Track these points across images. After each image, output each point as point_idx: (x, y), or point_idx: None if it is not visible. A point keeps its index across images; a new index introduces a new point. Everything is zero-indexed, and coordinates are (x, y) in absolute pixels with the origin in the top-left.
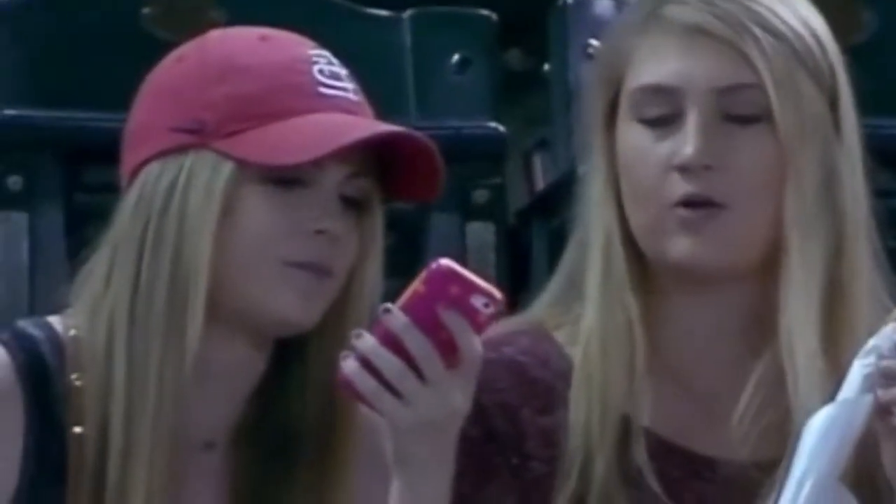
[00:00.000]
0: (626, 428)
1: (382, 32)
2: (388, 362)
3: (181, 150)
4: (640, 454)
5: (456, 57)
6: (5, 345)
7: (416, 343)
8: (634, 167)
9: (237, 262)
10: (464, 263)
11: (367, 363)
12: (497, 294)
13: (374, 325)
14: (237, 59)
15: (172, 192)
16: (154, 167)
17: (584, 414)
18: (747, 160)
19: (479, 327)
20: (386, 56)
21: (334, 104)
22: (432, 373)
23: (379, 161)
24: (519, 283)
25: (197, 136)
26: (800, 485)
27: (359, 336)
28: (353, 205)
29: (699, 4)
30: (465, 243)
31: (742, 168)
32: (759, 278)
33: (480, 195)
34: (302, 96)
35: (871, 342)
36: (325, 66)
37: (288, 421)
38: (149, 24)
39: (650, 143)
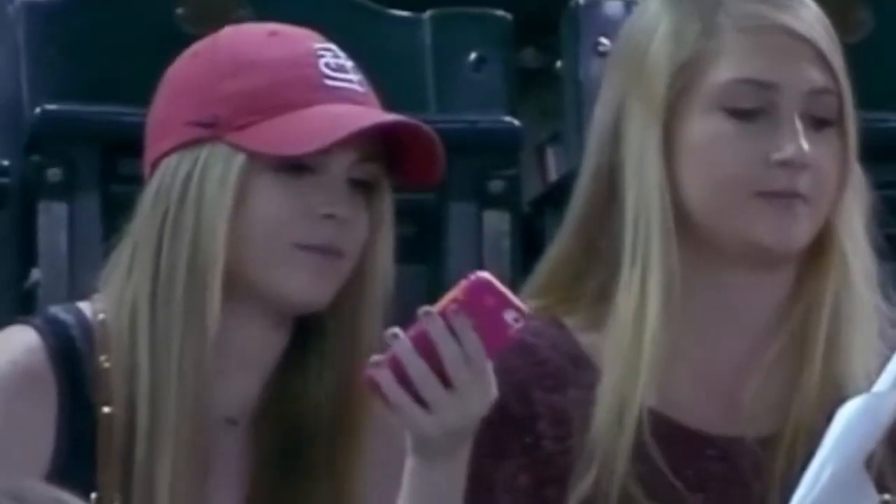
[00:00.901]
0: (638, 412)
1: (404, 32)
2: (420, 370)
3: (197, 143)
4: (650, 436)
5: (473, 55)
6: (38, 329)
7: (450, 350)
8: (719, 155)
9: (252, 247)
10: (480, 250)
11: (397, 366)
12: (525, 309)
13: (410, 327)
14: (247, 55)
15: (189, 182)
16: (172, 160)
17: (608, 401)
18: (828, 161)
19: (507, 341)
20: (407, 54)
21: (340, 95)
22: (459, 380)
23: (386, 147)
24: (532, 268)
25: (211, 129)
26: (821, 470)
27: (395, 337)
28: (363, 188)
29: (787, 10)
30: (481, 231)
31: (824, 168)
32: (798, 266)
33: (496, 185)
34: (308, 89)
35: None
36: (331, 59)
37: (306, 397)
38: (182, 23)
39: (739, 135)
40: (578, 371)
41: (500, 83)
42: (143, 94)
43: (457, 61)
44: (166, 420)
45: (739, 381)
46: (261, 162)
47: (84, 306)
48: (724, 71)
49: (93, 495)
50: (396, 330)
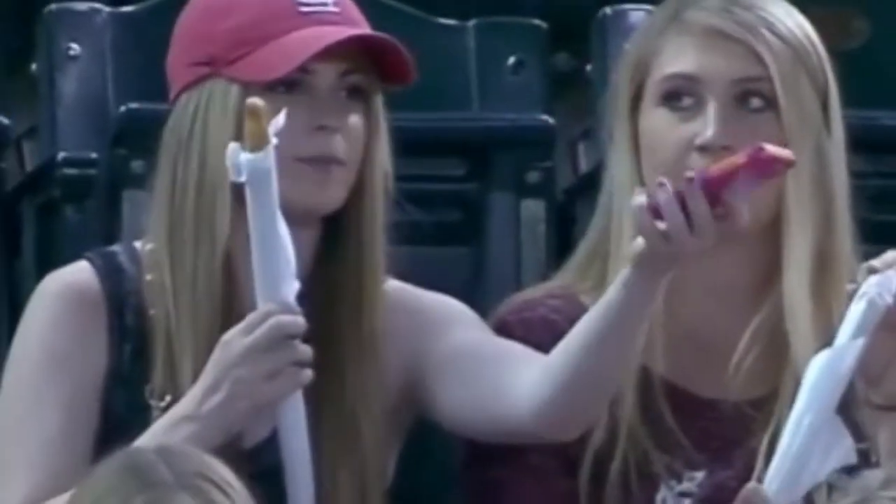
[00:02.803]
0: (645, 376)
1: (450, 39)
2: (700, 204)
3: (200, 80)
4: (659, 398)
5: (512, 59)
6: (88, 258)
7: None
8: (657, 145)
9: None
10: (518, 235)
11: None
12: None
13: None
14: None
15: (196, 116)
16: (183, 98)
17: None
18: (757, 143)
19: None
20: (453, 59)
21: (313, 19)
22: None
23: (373, 58)
24: (566, 251)
25: (209, 66)
26: (800, 419)
27: (689, 180)
28: (359, 98)
29: (716, 10)
30: (519, 217)
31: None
32: (761, 244)
33: (533, 176)
34: (283, 19)
35: (862, 290)
36: None
37: (338, 282)
38: None
39: (672, 125)
40: None
41: (536, 85)
42: None
43: (497, 65)
44: (186, 321)
45: (731, 348)
46: (254, 89)
47: (137, 242)
48: (659, 71)
49: (147, 386)
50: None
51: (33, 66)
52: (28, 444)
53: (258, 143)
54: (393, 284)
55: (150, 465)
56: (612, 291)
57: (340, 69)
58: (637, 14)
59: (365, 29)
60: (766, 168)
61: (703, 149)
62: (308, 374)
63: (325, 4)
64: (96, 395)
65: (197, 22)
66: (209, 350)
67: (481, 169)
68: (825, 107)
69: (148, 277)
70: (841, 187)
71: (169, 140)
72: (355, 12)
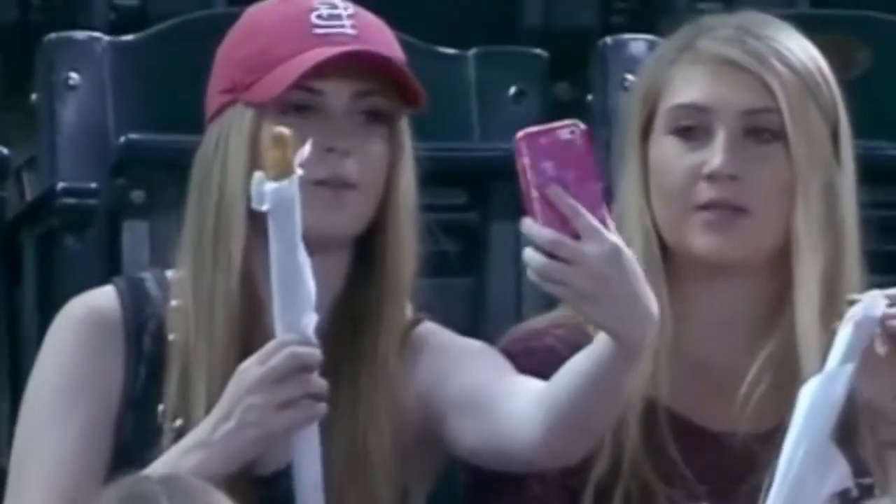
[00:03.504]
0: (651, 405)
1: (451, 68)
2: (550, 237)
3: (223, 108)
4: (665, 430)
5: (513, 89)
6: (113, 283)
7: (569, 208)
8: (665, 173)
9: None
10: (518, 265)
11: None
12: (576, 121)
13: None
14: (254, 23)
15: (217, 142)
16: (210, 128)
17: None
18: (765, 173)
19: (582, 149)
20: (454, 88)
21: (328, 41)
22: (583, 225)
23: (394, 80)
24: None
25: (231, 94)
26: (795, 447)
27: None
28: (380, 121)
29: (728, 40)
30: (519, 248)
31: (760, 180)
32: (769, 274)
33: None
34: (297, 40)
35: (848, 314)
36: (325, 10)
37: (355, 317)
38: None
39: (681, 154)
40: None
41: (536, 114)
42: None
43: (498, 95)
44: (202, 345)
45: (739, 380)
46: (268, 112)
47: (170, 271)
48: (670, 99)
49: (160, 407)
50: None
51: (33, 96)
52: (43, 466)
53: (282, 172)
54: (428, 327)
55: (152, 497)
56: (595, 343)
57: (353, 90)
58: (638, 44)
59: (378, 49)
60: (541, 145)
61: (711, 177)
62: (322, 407)
63: (342, 26)
64: (112, 417)
65: (225, 50)
66: (224, 375)
67: (482, 199)
68: (835, 138)
69: (173, 303)
70: (851, 219)
71: (196, 167)
72: (375, 34)
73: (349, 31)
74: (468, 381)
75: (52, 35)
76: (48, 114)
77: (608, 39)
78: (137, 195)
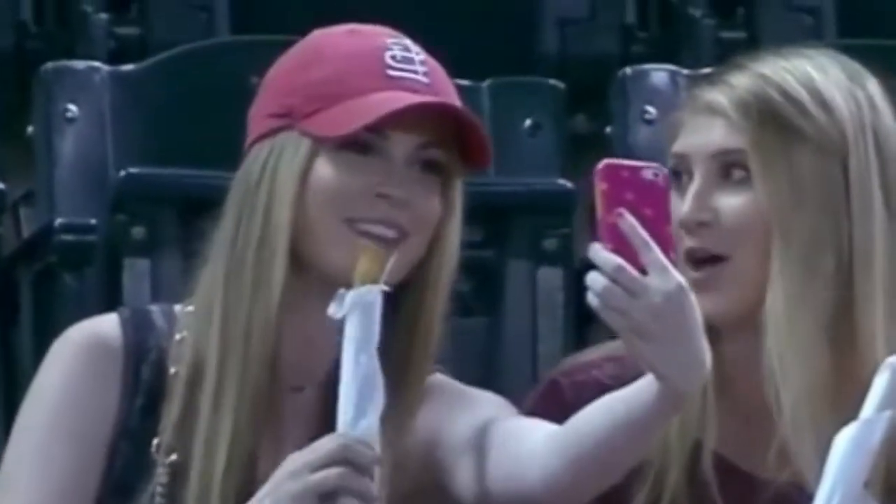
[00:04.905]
0: (696, 447)
1: (464, 99)
2: (617, 265)
3: (274, 132)
4: (709, 472)
5: (529, 121)
6: (118, 311)
7: (639, 239)
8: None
9: (311, 223)
10: (534, 304)
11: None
12: (658, 165)
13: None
14: (322, 50)
15: (265, 166)
16: (255, 150)
17: (662, 433)
18: (737, 217)
19: (662, 191)
20: None
21: (401, 85)
22: (650, 260)
23: (456, 135)
24: (584, 320)
25: (285, 119)
26: (829, 497)
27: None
28: (436, 174)
29: (719, 85)
30: (535, 286)
31: (731, 224)
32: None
33: (550, 244)
34: (369, 78)
35: (886, 361)
36: (399, 52)
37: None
38: (256, 90)
39: (676, 204)
40: None
41: (553, 148)
42: (219, 157)
43: (513, 127)
44: (231, 383)
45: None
46: (326, 145)
47: (177, 305)
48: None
49: (155, 440)
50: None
51: (29, 129)
52: (28, 497)
53: (367, 282)
54: (440, 378)
55: None
56: (638, 384)
57: (419, 141)
58: (659, 74)
59: (428, 98)
60: (623, 178)
61: (683, 226)
62: None
63: (415, 73)
64: (104, 448)
65: (282, 73)
66: (251, 421)
67: (497, 236)
68: (846, 168)
69: (179, 336)
70: (867, 259)
71: (236, 191)
72: (445, 85)
73: (422, 77)
74: (474, 424)
75: (50, 64)
76: (45, 147)
77: (628, 69)
78: (138, 231)
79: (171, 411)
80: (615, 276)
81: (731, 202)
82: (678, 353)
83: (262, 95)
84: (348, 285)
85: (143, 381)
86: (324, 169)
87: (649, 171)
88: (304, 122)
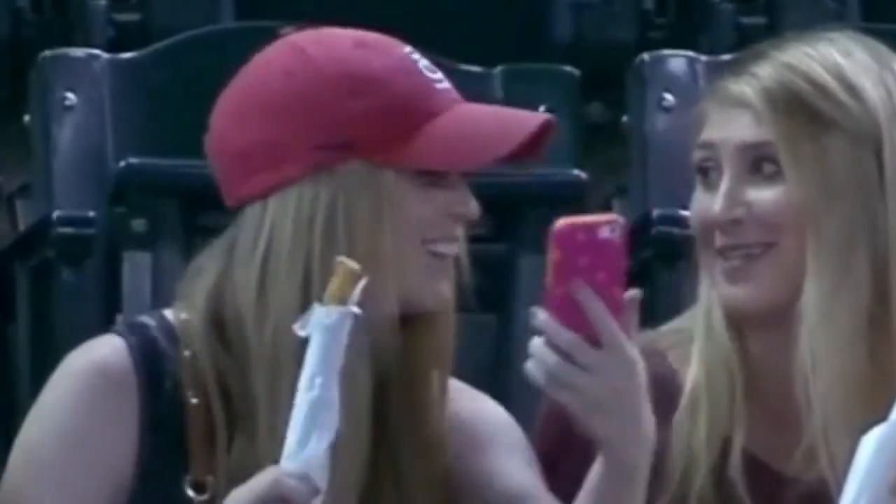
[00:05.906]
0: (724, 446)
1: (475, 86)
2: (569, 339)
3: (327, 166)
4: (737, 471)
5: (542, 109)
6: (119, 333)
7: (595, 310)
8: (694, 223)
9: (394, 255)
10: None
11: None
12: (616, 217)
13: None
14: (357, 72)
15: (335, 207)
16: (307, 186)
17: (688, 430)
18: (770, 212)
19: (618, 250)
20: None
21: (449, 97)
22: (606, 334)
23: None
24: None
25: (347, 151)
26: (856, 500)
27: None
28: None
29: (745, 77)
30: None
31: (766, 219)
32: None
33: None
34: (428, 97)
35: None
36: (420, 58)
37: (400, 384)
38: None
39: (699, 193)
40: (670, 409)
41: (567, 137)
42: None
43: None
44: (263, 378)
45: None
46: (406, 174)
47: (166, 312)
48: (697, 137)
49: (187, 477)
50: (536, 310)
51: (26, 118)
52: None
53: (339, 303)
54: (451, 383)
55: None
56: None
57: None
58: (677, 61)
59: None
60: (579, 241)
61: (716, 224)
62: None
63: (444, 80)
64: (120, 494)
65: (323, 99)
66: (286, 409)
67: (509, 228)
68: (879, 154)
69: (185, 353)
70: None
71: (295, 236)
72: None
73: (446, 83)
74: (484, 470)
75: (47, 52)
76: (43, 137)
77: (646, 56)
78: (138, 224)
79: (201, 445)
80: (571, 352)
81: (763, 196)
82: (628, 426)
83: (295, 121)
84: (430, 311)
85: (163, 417)
86: (406, 197)
87: (606, 227)
88: (379, 153)
